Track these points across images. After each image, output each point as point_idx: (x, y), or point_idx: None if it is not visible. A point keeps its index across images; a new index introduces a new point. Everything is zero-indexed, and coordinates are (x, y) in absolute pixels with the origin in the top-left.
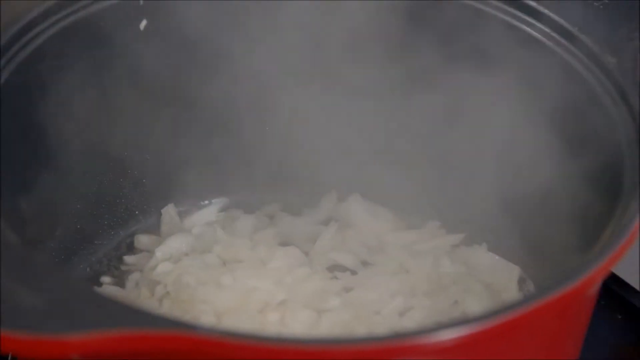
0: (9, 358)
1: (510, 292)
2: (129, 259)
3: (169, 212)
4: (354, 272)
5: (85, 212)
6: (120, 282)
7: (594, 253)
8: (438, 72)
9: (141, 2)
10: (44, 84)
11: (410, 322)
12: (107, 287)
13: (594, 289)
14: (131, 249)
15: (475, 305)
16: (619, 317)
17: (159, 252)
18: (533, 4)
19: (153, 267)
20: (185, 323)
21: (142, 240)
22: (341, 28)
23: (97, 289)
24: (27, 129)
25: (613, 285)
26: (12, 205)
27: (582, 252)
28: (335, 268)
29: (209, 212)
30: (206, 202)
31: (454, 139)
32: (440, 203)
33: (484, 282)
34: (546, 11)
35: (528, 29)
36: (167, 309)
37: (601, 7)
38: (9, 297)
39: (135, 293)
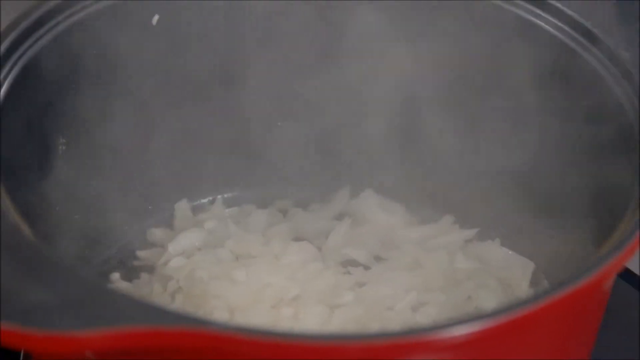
0: (22, 355)
1: (524, 287)
2: (141, 253)
3: (182, 207)
4: (367, 267)
5: (98, 208)
6: (132, 277)
7: (608, 248)
8: (450, 69)
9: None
10: (53, 79)
11: (424, 317)
12: (119, 282)
13: (608, 284)
14: (144, 244)
15: (490, 300)
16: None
17: (172, 247)
18: None
19: (166, 262)
20: (198, 319)
21: (155, 234)
22: (353, 23)
23: (109, 284)
24: (38, 124)
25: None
26: (25, 201)
27: (596, 247)
28: (348, 263)
29: (221, 207)
30: (219, 197)
31: (468, 135)
32: (454, 198)
33: (498, 277)
34: (558, 5)
35: (541, 23)
36: (179, 304)
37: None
38: (22, 294)
39: (148, 288)
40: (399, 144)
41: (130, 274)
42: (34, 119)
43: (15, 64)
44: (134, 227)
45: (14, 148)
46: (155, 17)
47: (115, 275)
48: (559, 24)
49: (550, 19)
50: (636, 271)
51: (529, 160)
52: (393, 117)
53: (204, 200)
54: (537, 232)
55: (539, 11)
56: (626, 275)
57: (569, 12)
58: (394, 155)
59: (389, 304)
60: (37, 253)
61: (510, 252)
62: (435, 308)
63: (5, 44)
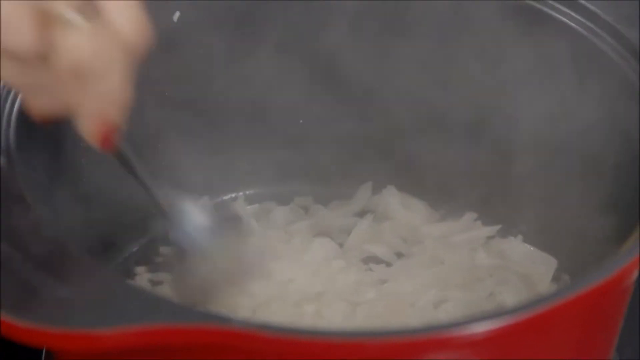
0: (44, 352)
1: (546, 283)
2: (164, 250)
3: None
4: (389, 264)
5: (121, 205)
6: (155, 273)
7: (630, 244)
8: (470, 62)
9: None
10: None
11: (445, 314)
12: (142, 277)
13: (630, 280)
14: (167, 240)
15: (511, 297)
16: None
17: None
18: None
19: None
20: (219, 316)
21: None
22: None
23: (130, 281)
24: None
25: None
26: (47, 197)
27: (619, 244)
28: (369, 260)
29: (243, 204)
30: (240, 194)
31: (489, 132)
32: (475, 195)
33: (519, 273)
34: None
35: (550, 12)
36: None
37: None
38: (42, 291)
39: (170, 285)
40: (421, 140)
41: (154, 270)
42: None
43: None
44: (157, 224)
45: (35, 146)
46: (177, 14)
47: (139, 270)
48: (582, 19)
49: (575, 15)
50: None
51: (549, 158)
52: (415, 112)
53: (226, 198)
54: (559, 228)
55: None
56: None
57: (592, 7)
58: (417, 151)
59: (411, 300)
60: (60, 250)
61: (532, 249)
62: (457, 305)
63: None
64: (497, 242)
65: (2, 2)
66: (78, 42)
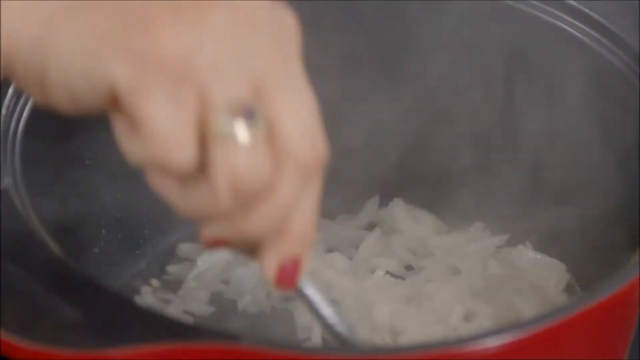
0: None
1: (558, 291)
2: (171, 268)
3: None
4: (399, 277)
5: (126, 221)
6: (163, 292)
7: None
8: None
9: None
10: None
11: (477, 326)
12: (148, 297)
13: None
14: (173, 258)
15: (528, 307)
16: None
17: (201, 261)
18: None
19: (196, 276)
20: (229, 334)
21: (184, 248)
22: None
23: (138, 302)
24: (64, 139)
25: None
26: (53, 218)
27: (629, 252)
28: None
29: None
30: None
31: (494, 139)
32: (482, 204)
33: (531, 282)
34: (586, 10)
35: (554, 21)
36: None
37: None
38: (50, 313)
39: (177, 303)
40: (425, 151)
41: (161, 288)
42: (59, 134)
43: None
44: (163, 242)
45: (40, 166)
46: None
47: (145, 290)
48: (586, 28)
49: (577, 23)
50: None
51: (557, 165)
52: (419, 125)
53: None
54: (568, 237)
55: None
56: None
57: (596, 16)
58: (422, 163)
59: (441, 316)
60: (66, 271)
61: (541, 256)
62: (485, 317)
63: None
64: (507, 252)
65: (159, 112)
66: (235, 158)
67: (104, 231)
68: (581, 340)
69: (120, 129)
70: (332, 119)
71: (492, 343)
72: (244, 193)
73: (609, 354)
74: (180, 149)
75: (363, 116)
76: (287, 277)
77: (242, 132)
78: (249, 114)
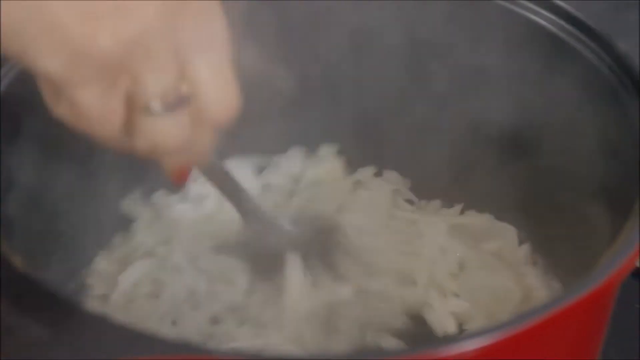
0: None
1: (516, 254)
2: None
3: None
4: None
5: (73, 232)
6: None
7: (619, 246)
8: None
9: None
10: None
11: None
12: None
13: (618, 285)
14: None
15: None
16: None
17: (122, 278)
18: None
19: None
20: (198, 346)
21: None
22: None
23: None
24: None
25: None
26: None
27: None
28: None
29: None
30: None
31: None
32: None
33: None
34: None
35: (534, 17)
36: None
37: None
38: (13, 329)
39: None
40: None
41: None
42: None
43: None
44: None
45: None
46: None
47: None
48: (553, 17)
49: (544, 12)
50: None
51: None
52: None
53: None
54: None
55: (533, 6)
56: None
57: (563, 4)
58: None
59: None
60: (29, 286)
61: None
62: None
63: None
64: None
65: (90, 100)
66: (157, 130)
67: (59, 242)
68: (562, 338)
69: (47, 92)
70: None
71: (472, 346)
72: (159, 152)
73: (586, 350)
74: (105, 126)
75: None
76: (181, 175)
77: (169, 114)
78: (176, 103)
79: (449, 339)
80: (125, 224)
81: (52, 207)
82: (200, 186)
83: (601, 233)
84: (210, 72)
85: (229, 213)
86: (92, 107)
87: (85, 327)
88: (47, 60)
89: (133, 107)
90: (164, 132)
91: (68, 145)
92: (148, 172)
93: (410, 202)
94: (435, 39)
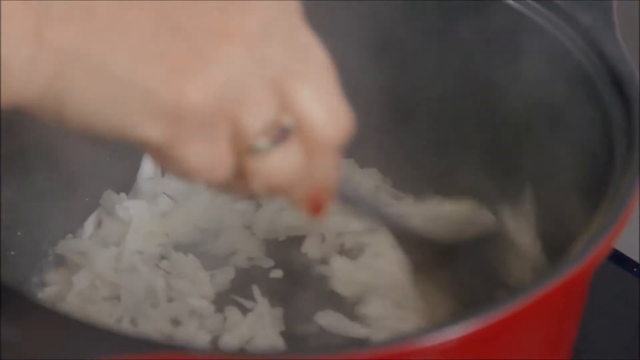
0: None
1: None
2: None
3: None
4: None
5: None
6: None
7: (597, 228)
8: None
9: None
10: None
11: None
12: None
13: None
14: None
15: None
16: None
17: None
18: None
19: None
20: (175, 345)
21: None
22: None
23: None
24: None
25: None
26: None
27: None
28: None
29: None
30: None
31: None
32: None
33: None
34: None
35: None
36: None
37: None
38: None
39: None
40: None
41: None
42: None
43: None
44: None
45: None
46: None
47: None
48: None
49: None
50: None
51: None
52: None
53: None
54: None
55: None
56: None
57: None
58: None
59: None
60: (6, 291)
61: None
62: None
63: None
64: None
65: (196, 154)
66: (270, 168)
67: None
68: (533, 326)
69: (154, 157)
70: None
71: (452, 335)
72: (279, 190)
73: (564, 332)
74: (217, 173)
75: None
76: (317, 206)
77: (276, 149)
78: (282, 135)
79: (420, 332)
80: (75, 224)
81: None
82: (152, 184)
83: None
84: (312, 98)
85: (183, 211)
86: (200, 161)
87: (58, 327)
88: (147, 129)
89: (240, 150)
90: (276, 168)
91: None
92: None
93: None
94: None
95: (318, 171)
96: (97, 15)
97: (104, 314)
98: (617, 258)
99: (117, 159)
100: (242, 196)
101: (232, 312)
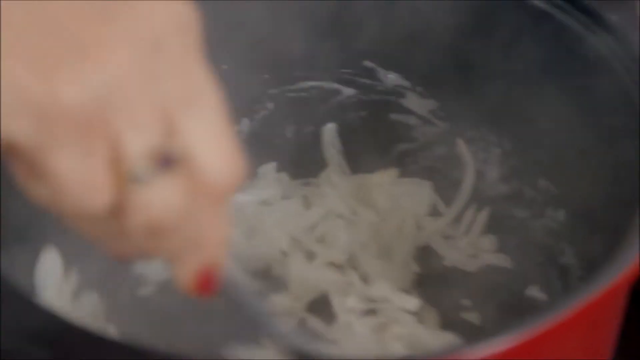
0: None
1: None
2: None
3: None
4: None
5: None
6: None
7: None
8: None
9: None
10: None
11: None
12: None
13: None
14: None
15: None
16: None
17: None
18: None
19: None
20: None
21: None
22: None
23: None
24: None
25: None
26: None
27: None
28: None
29: None
30: None
31: None
32: None
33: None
34: None
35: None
36: None
37: None
38: (17, 355)
39: None
40: None
41: None
42: None
43: None
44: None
45: None
46: None
47: None
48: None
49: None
50: None
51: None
52: None
53: None
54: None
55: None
56: None
57: None
58: None
59: None
60: (28, 307)
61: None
62: None
63: None
64: None
65: (67, 166)
66: (150, 199)
67: None
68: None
69: (21, 172)
70: None
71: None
72: (158, 229)
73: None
74: (93, 197)
75: None
76: (205, 284)
77: (158, 178)
78: (165, 162)
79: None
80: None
81: None
82: None
83: None
84: (203, 135)
85: None
86: (73, 178)
87: (88, 347)
88: (14, 126)
89: (119, 175)
90: (157, 200)
91: None
92: None
93: None
94: None
95: (205, 220)
96: None
97: None
98: None
99: None
100: (124, 252)
101: None
